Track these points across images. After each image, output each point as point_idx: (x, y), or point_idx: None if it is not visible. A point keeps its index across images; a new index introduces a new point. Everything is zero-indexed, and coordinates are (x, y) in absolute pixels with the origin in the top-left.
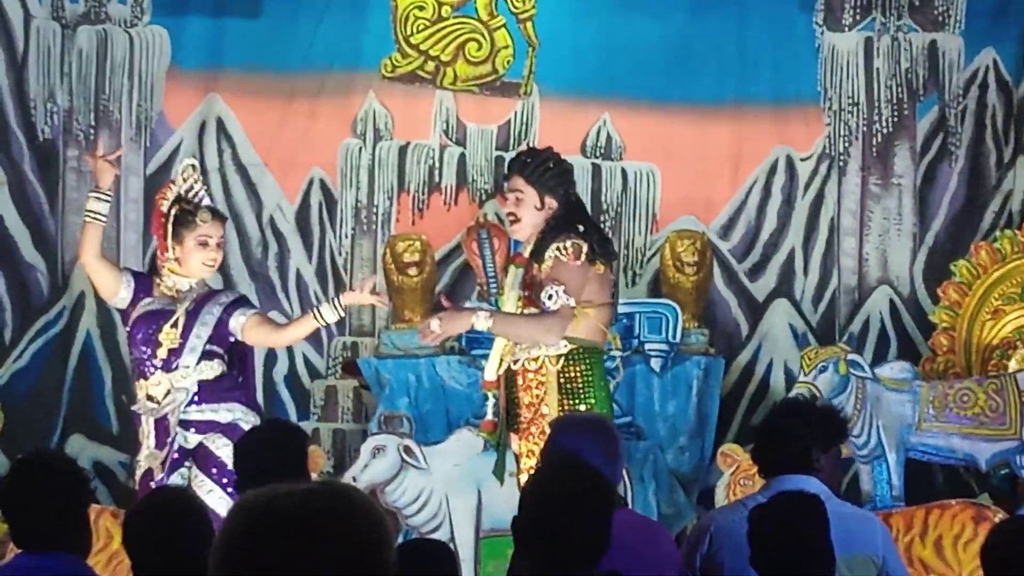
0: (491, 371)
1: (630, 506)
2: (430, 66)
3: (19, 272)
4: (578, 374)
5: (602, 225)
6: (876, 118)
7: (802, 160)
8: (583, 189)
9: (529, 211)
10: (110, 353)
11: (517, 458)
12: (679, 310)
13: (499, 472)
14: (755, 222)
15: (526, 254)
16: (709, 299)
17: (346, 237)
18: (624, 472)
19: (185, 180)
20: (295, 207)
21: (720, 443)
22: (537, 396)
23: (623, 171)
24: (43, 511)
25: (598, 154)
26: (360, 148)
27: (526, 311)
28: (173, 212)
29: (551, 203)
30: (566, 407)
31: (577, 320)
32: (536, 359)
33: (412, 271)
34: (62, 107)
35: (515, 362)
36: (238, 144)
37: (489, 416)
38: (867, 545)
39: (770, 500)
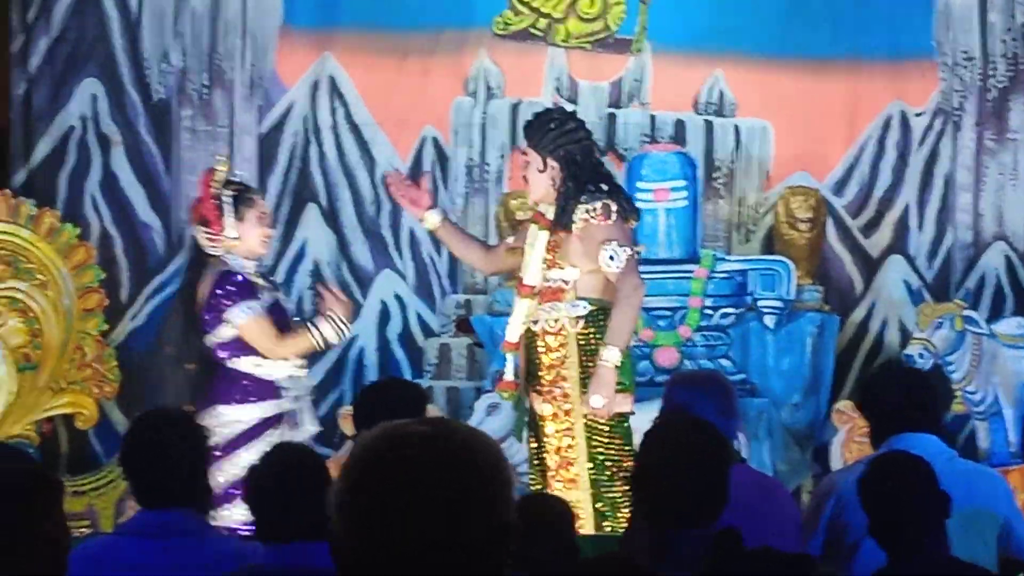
0: (513, 333)
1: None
2: (542, 23)
3: (135, 232)
4: (598, 333)
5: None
6: (991, 72)
7: (916, 115)
8: (696, 146)
9: (534, 174)
10: None
11: (536, 418)
12: (793, 267)
13: (518, 432)
14: (869, 178)
15: (549, 215)
16: (823, 256)
17: (459, 195)
18: (740, 429)
19: (224, 168)
20: (408, 165)
21: (835, 400)
22: (558, 358)
23: (736, 128)
24: (163, 468)
25: (711, 111)
26: (472, 106)
27: (550, 272)
28: (228, 193)
29: (552, 164)
30: (588, 368)
31: (585, 275)
32: (556, 320)
33: None
34: (176, 67)
35: (535, 323)
36: (351, 103)
37: (509, 377)
38: (987, 502)
39: (874, 465)
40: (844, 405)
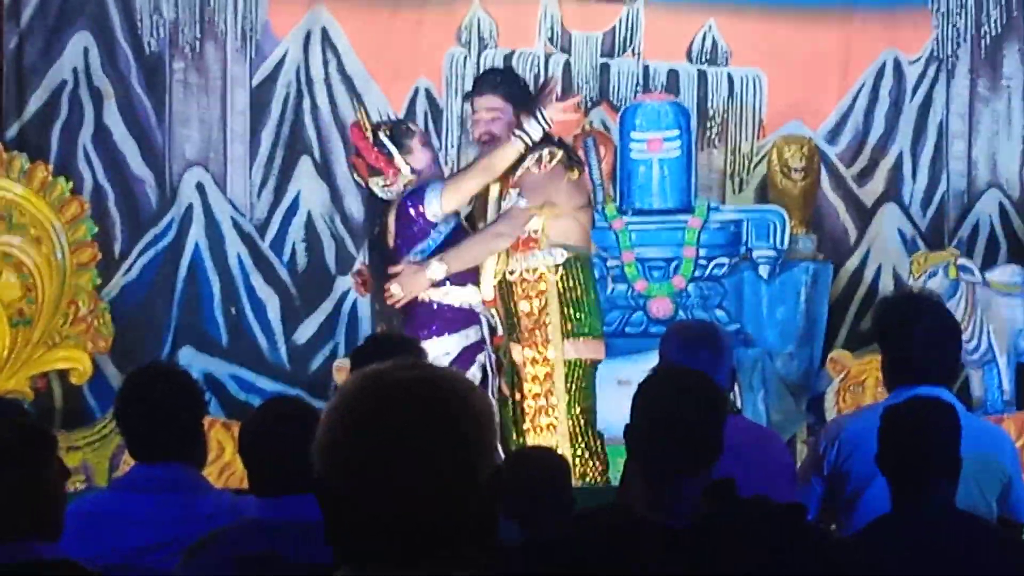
0: (488, 289)
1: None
2: None
3: (128, 185)
4: (576, 282)
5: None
6: (984, 20)
7: (910, 63)
8: (689, 96)
9: (504, 128)
10: (218, 265)
11: (517, 367)
12: (787, 216)
13: (507, 381)
14: (863, 127)
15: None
16: (817, 205)
17: (452, 146)
18: (734, 379)
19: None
20: (401, 117)
21: (829, 349)
22: (537, 305)
23: (729, 77)
24: (158, 422)
25: (704, 60)
26: (465, 57)
27: None
28: (384, 134)
29: (500, 104)
30: (568, 315)
31: (552, 224)
32: (534, 270)
33: None
34: (168, 19)
35: (511, 273)
36: (343, 54)
37: (501, 332)
38: (993, 460)
39: (906, 403)
40: (838, 354)
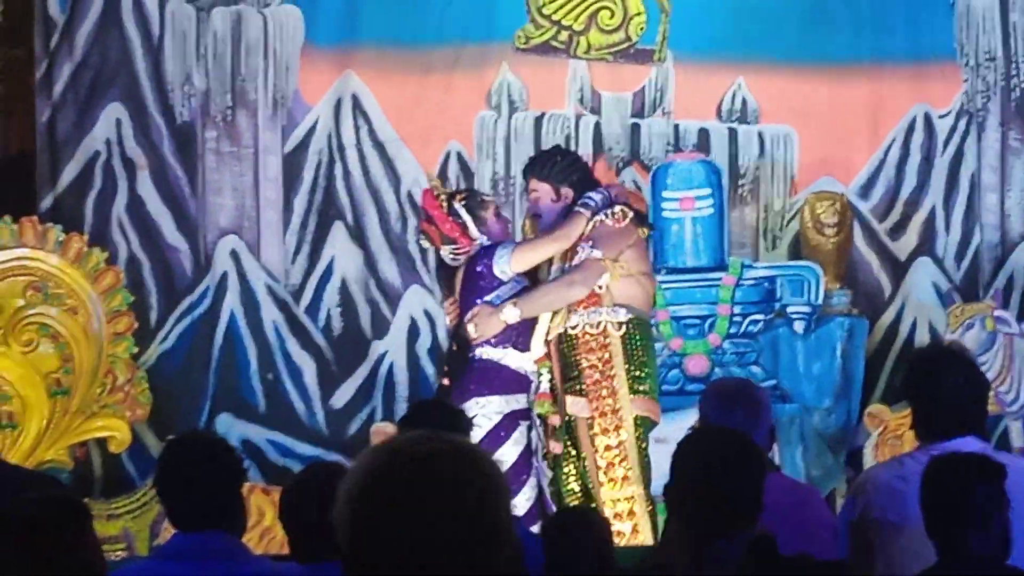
0: (539, 346)
1: (781, 470)
2: (563, 36)
3: (163, 254)
4: (638, 341)
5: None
6: (1014, 72)
7: (940, 117)
8: (720, 154)
9: (547, 205)
10: (254, 331)
11: (570, 422)
12: (820, 272)
13: (561, 436)
14: (895, 181)
15: None
16: (850, 260)
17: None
18: (773, 436)
19: (438, 183)
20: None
21: (866, 404)
22: (600, 358)
23: (759, 134)
24: (198, 491)
25: (734, 118)
26: (496, 120)
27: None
28: (459, 203)
29: (566, 192)
30: (629, 371)
31: (619, 282)
32: (597, 324)
33: None
34: (199, 89)
35: (573, 327)
36: (374, 120)
37: (545, 388)
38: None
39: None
40: (876, 408)
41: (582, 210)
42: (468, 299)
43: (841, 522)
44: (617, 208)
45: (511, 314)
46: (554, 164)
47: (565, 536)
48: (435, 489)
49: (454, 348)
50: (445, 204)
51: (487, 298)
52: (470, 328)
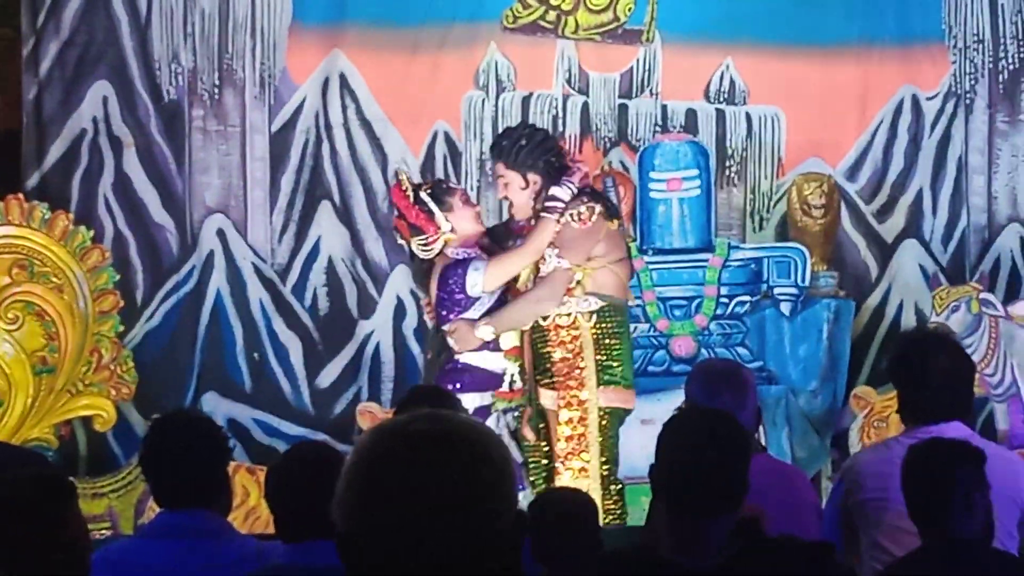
0: (510, 338)
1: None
2: (551, 16)
3: (149, 233)
4: (610, 330)
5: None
6: (1002, 54)
7: (928, 99)
8: (708, 135)
9: (516, 192)
10: (240, 310)
11: (545, 412)
12: (807, 253)
13: (535, 425)
14: (882, 163)
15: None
16: (837, 241)
17: (471, 189)
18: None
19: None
20: (420, 161)
21: (852, 386)
22: (571, 350)
23: (747, 115)
24: (183, 469)
25: (722, 99)
26: (483, 100)
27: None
28: (424, 193)
29: (534, 179)
30: (600, 363)
31: (590, 276)
32: (568, 315)
33: None
34: (186, 67)
35: (544, 319)
36: (361, 99)
37: (517, 384)
38: (1010, 487)
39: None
40: (861, 390)
41: (548, 215)
42: (444, 316)
43: (828, 506)
44: (583, 208)
45: (486, 332)
46: (520, 148)
47: (548, 516)
48: (439, 468)
49: (428, 356)
50: (411, 194)
51: (465, 315)
52: (450, 342)
